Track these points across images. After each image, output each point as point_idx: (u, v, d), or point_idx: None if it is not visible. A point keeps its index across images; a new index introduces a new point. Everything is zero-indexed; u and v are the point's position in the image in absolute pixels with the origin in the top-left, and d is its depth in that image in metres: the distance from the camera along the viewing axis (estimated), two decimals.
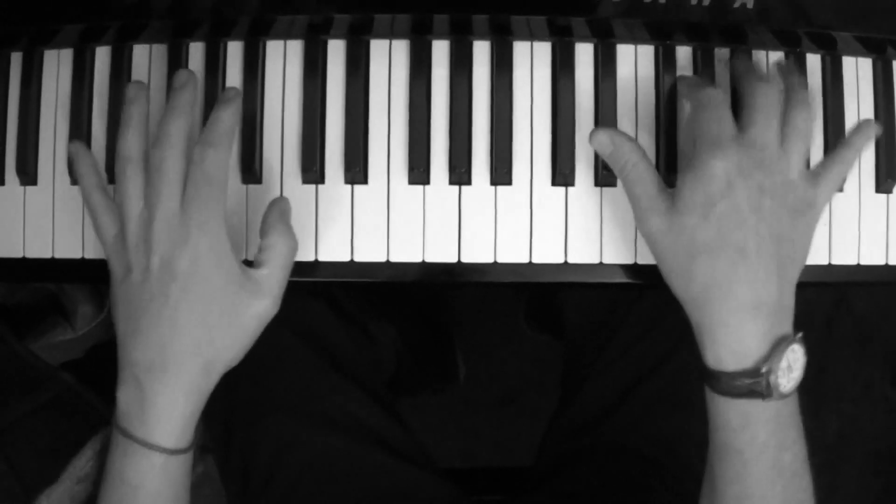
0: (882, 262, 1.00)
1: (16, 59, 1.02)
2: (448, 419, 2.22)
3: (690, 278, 0.85)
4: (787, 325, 0.85)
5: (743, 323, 0.83)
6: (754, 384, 0.82)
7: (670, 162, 0.97)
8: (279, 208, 0.90)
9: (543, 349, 2.17)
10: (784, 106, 0.90)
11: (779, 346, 0.83)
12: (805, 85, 0.92)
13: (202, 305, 0.84)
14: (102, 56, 1.01)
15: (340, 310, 1.21)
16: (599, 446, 1.20)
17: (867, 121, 0.98)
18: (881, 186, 1.00)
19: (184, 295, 0.83)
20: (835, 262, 0.99)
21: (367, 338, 1.28)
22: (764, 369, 0.82)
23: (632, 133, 0.98)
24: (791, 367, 0.83)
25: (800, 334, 0.85)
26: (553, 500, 1.21)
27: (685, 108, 0.95)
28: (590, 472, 1.20)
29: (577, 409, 1.26)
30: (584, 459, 1.21)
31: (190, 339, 0.84)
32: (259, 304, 0.87)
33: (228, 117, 0.88)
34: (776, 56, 1.00)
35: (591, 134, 0.92)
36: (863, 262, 1.00)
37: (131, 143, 0.87)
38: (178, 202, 0.84)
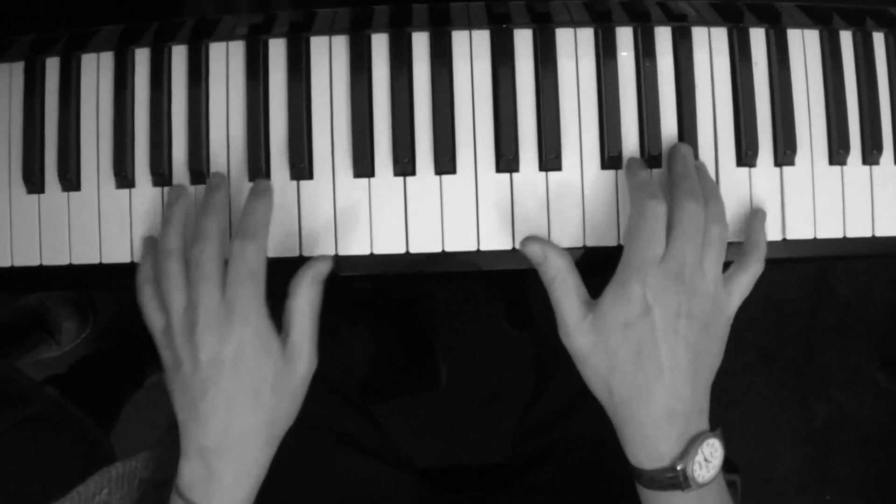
0: (840, 235, 1.00)
1: None
2: (429, 421, 2.22)
3: (610, 390, 0.90)
4: (701, 424, 0.90)
5: (658, 430, 0.89)
6: (672, 479, 0.88)
7: (612, 143, 0.97)
8: (310, 274, 0.91)
9: (524, 348, 2.17)
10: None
11: (693, 443, 0.88)
12: (717, 195, 0.93)
13: (254, 389, 0.89)
14: (52, 66, 1.02)
15: None
16: (568, 440, 1.20)
17: (757, 211, 0.99)
18: (834, 159, 1.00)
19: (235, 383, 0.88)
20: (789, 237, 1.00)
21: (335, 341, 1.28)
22: (679, 466, 0.87)
23: (574, 115, 0.98)
24: (708, 459, 0.89)
25: (718, 430, 0.90)
26: (527, 495, 1.21)
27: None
28: (560, 466, 1.20)
29: (546, 404, 1.26)
30: (555, 453, 1.21)
31: (248, 420, 0.89)
32: (300, 370, 0.92)
33: (263, 207, 0.93)
34: (718, 32, 0.99)
35: (524, 242, 0.93)
36: (819, 237, 1.00)
37: (172, 239, 0.92)
38: (219, 295, 0.88)
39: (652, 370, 0.88)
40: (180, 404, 0.90)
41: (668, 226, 0.90)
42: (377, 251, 0.98)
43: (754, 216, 0.97)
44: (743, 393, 2.26)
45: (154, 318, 0.93)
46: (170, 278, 0.90)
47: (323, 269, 0.91)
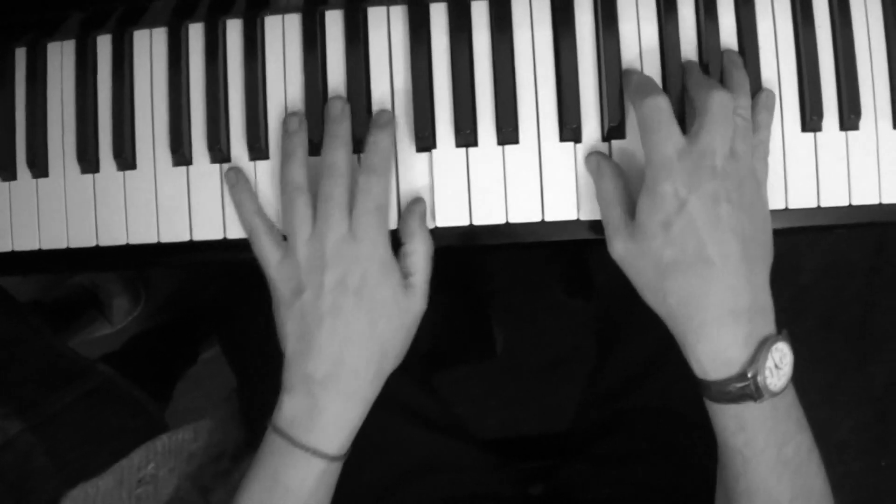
0: None
1: (20, 55, 1.03)
2: (490, 390, 2.21)
3: (664, 296, 0.87)
4: (768, 326, 0.86)
5: (721, 332, 0.84)
6: (744, 388, 0.83)
7: (679, 113, 0.94)
8: (419, 212, 0.94)
9: (582, 314, 2.16)
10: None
11: (762, 347, 0.84)
12: (746, 81, 0.92)
13: (373, 317, 0.91)
14: (104, 44, 1.01)
15: None
16: (636, 409, 1.19)
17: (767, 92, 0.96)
18: None
19: (356, 309, 0.90)
20: (855, 202, 0.97)
21: None
22: (750, 373, 0.83)
23: None
24: (778, 365, 0.84)
25: (784, 331, 0.86)
26: (593, 465, 1.21)
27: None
28: (628, 436, 1.19)
29: (612, 372, 1.25)
30: (623, 422, 1.20)
31: (364, 350, 0.91)
32: (416, 307, 0.94)
33: (386, 141, 0.94)
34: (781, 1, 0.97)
35: (587, 158, 0.95)
36: (885, 201, 0.97)
37: (297, 172, 0.93)
38: (347, 226, 0.90)
39: (702, 266, 0.84)
40: (293, 335, 0.91)
41: (695, 119, 0.88)
42: (440, 224, 0.97)
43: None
44: (801, 358, 2.23)
45: (269, 253, 0.93)
46: (297, 211, 0.91)
47: (424, 207, 0.94)
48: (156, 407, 1.34)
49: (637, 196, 0.88)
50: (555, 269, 2.19)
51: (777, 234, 0.92)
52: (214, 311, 1.02)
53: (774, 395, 0.84)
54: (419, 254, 0.93)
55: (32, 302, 1.98)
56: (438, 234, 0.97)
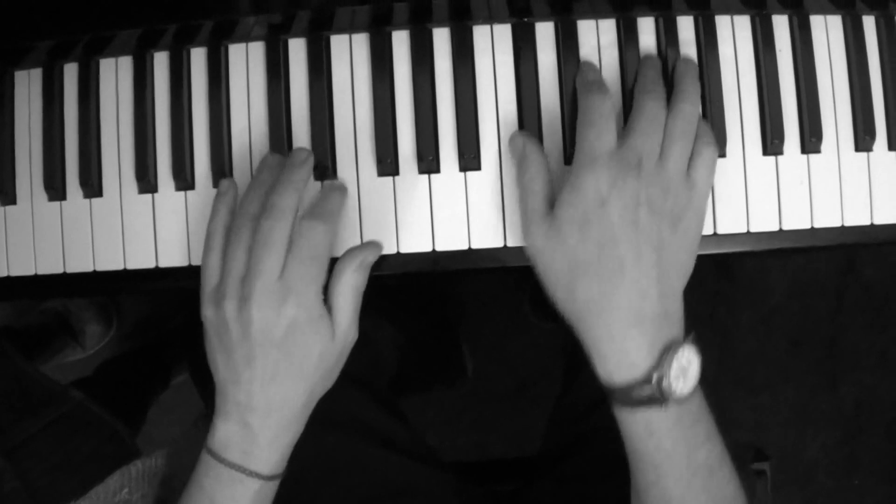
0: (867, 223, 0.98)
1: None
2: (460, 413, 2.21)
3: (572, 294, 0.86)
4: (674, 331, 0.86)
5: (626, 336, 0.84)
6: (649, 393, 0.84)
7: None
8: (356, 262, 0.92)
9: (551, 337, 2.16)
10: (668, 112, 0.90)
11: (667, 352, 0.84)
12: (692, 95, 0.92)
13: (299, 364, 0.89)
14: (71, 72, 1.02)
15: None
16: (602, 428, 1.19)
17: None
18: (860, 145, 0.98)
19: (281, 359, 0.88)
20: (817, 225, 0.97)
21: (362, 339, 1.28)
22: (655, 377, 0.83)
23: None
24: (685, 369, 0.84)
25: (691, 336, 0.86)
26: (561, 485, 1.21)
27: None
28: (594, 455, 1.19)
29: (578, 394, 1.25)
30: (588, 442, 1.21)
31: (289, 389, 0.89)
32: (345, 344, 0.93)
33: (338, 197, 0.93)
34: (741, 20, 0.98)
35: (511, 136, 0.94)
36: (847, 224, 0.98)
37: (254, 203, 0.89)
38: (279, 272, 0.86)
39: (614, 267, 0.84)
40: (221, 364, 0.90)
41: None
42: (404, 250, 0.97)
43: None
44: (772, 378, 2.24)
45: (211, 273, 0.90)
46: (238, 242, 0.88)
47: (370, 257, 0.92)
48: (128, 432, 1.34)
49: (558, 190, 0.88)
50: (524, 293, 2.19)
51: (741, 256, 0.93)
52: (185, 337, 1.02)
53: (681, 399, 0.84)
54: (341, 295, 0.91)
55: (4, 327, 1.98)
56: (402, 261, 0.97)
